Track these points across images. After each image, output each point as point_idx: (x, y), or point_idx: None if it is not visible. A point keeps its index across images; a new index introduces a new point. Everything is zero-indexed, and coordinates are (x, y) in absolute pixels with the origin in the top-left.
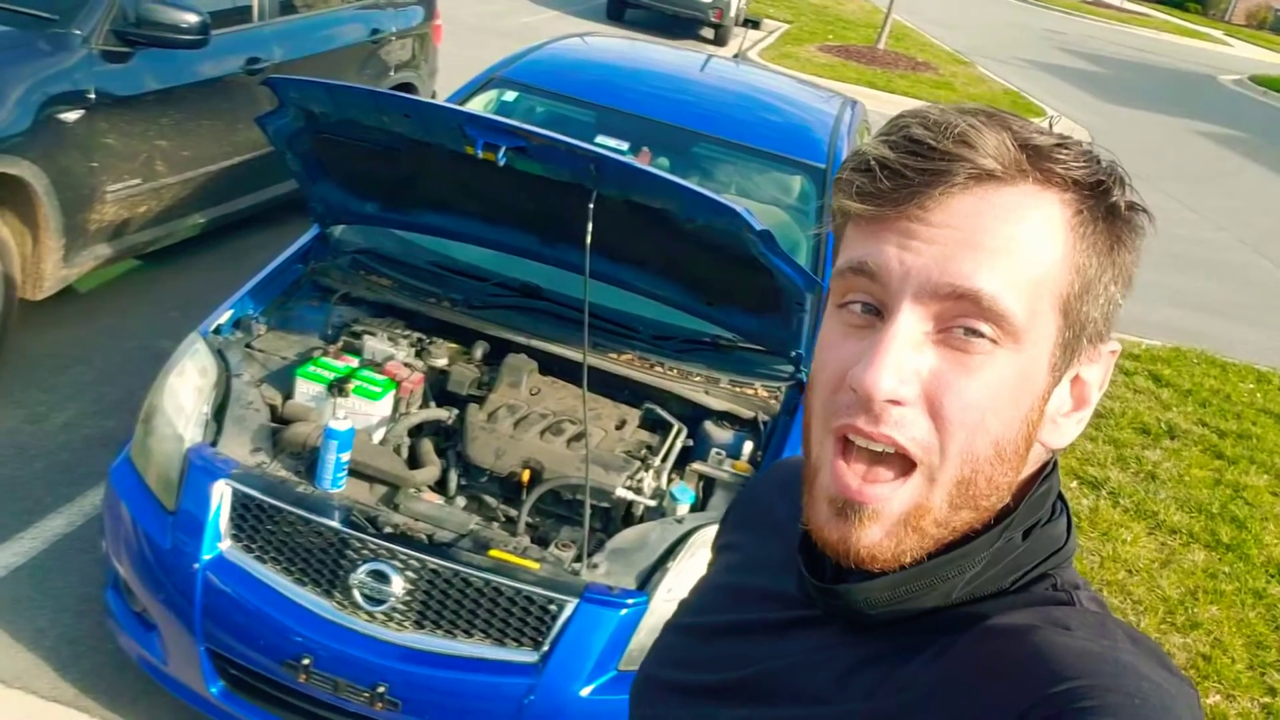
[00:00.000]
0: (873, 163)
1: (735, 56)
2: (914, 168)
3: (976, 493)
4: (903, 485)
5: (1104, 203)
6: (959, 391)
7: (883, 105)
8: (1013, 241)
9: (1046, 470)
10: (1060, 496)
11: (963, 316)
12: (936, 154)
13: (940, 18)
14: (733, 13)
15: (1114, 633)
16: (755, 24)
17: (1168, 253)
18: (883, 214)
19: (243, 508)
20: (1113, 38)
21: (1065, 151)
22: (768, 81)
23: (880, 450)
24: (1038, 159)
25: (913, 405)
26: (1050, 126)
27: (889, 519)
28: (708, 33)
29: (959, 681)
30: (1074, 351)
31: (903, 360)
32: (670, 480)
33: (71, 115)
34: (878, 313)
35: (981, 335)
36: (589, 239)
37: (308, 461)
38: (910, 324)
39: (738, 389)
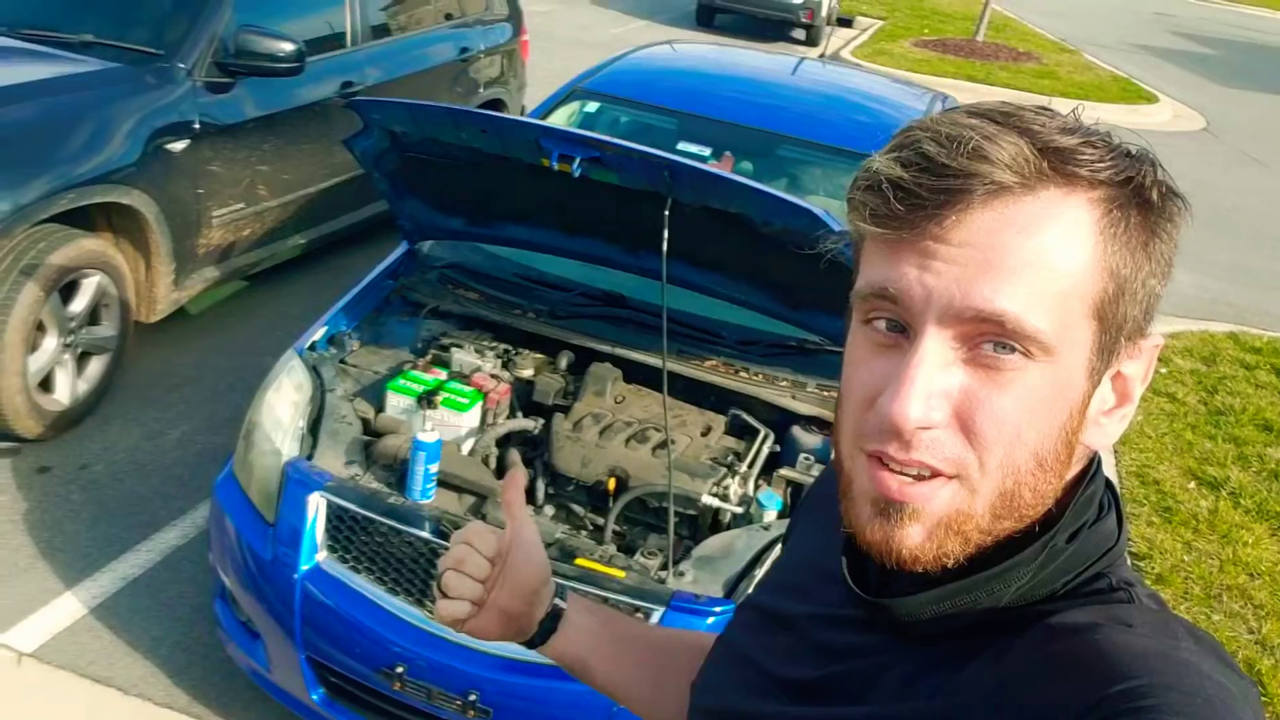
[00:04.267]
0: (885, 183)
1: (821, 57)
2: (929, 186)
3: (1021, 503)
4: (944, 485)
5: (1136, 198)
6: (991, 408)
7: (984, 99)
8: (1037, 255)
9: (1090, 471)
10: (1109, 488)
11: (989, 336)
12: (950, 171)
13: (1043, 6)
14: (824, 12)
15: (1176, 630)
16: (848, 22)
17: None
18: (900, 236)
19: (337, 519)
20: (1226, 19)
21: (1090, 150)
22: (852, 80)
23: (915, 474)
24: (1060, 162)
25: (944, 427)
26: (1077, 116)
27: (930, 519)
28: (799, 34)
29: (1020, 682)
30: (1113, 352)
31: (930, 385)
32: (757, 487)
33: (178, 145)
34: (903, 329)
35: (1012, 351)
36: (665, 245)
37: (399, 473)
38: (935, 348)
39: (825, 393)
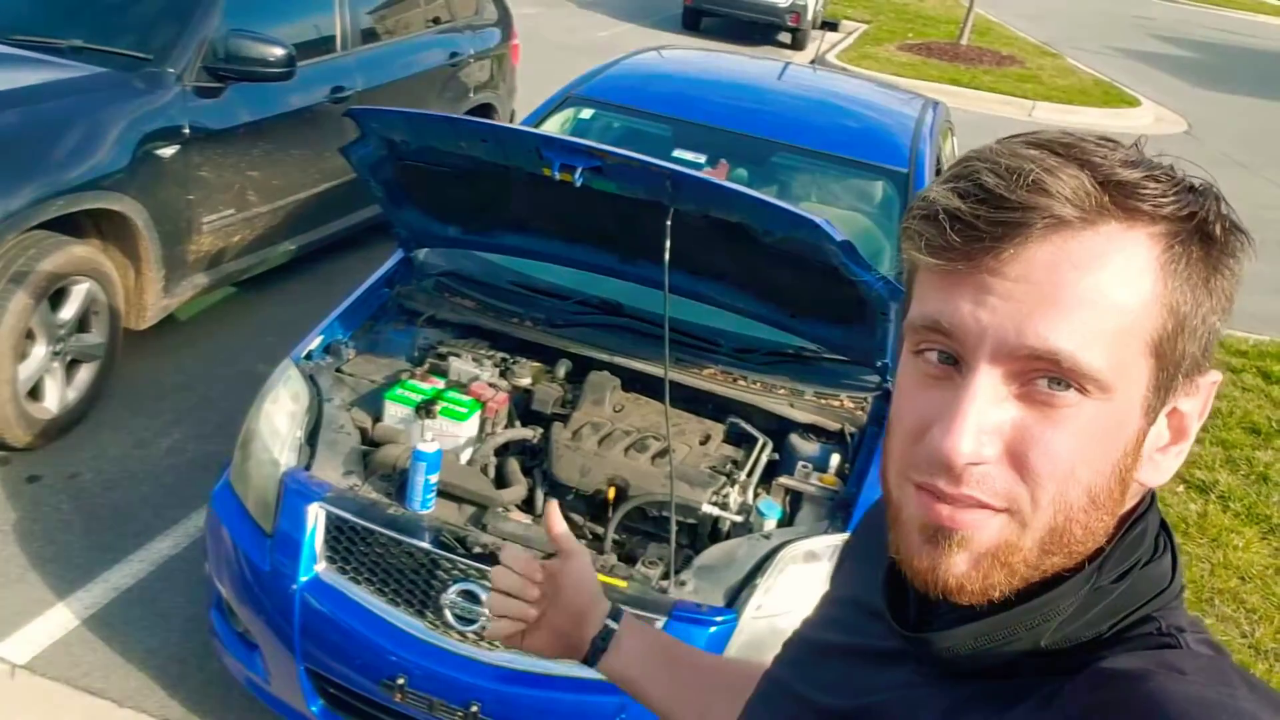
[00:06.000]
0: (942, 214)
1: (812, 62)
2: (987, 219)
3: (1071, 540)
4: (994, 516)
5: (1199, 234)
6: (1045, 444)
7: (968, 103)
8: (1094, 292)
9: (1142, 508)
10: (1165, 529)
11: (1043, 372)
12: (1010, 204)
13: (1025, 10)
14: (810, 15)
15: (1231, 678)
16: (833, 26)
17: (1274, 241)
18: (955, 268)
19: (336, 530)
20: (1205, 21)
21: (1154, 184)
22: (846, 86)
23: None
24: (1122, 196)
25: (996, 462)
26: (1139, 148)
27: (978, 548)
28: (785, 37)
29: None
30: (1170, 390)
31: (982, 420)
32: (756, 495)
33: (168, 150)
34: (955, 362)
35: (1067, 388)
36: (667, 255)
37: (398, 483)
38: (988, 383)
39: (823, 401)
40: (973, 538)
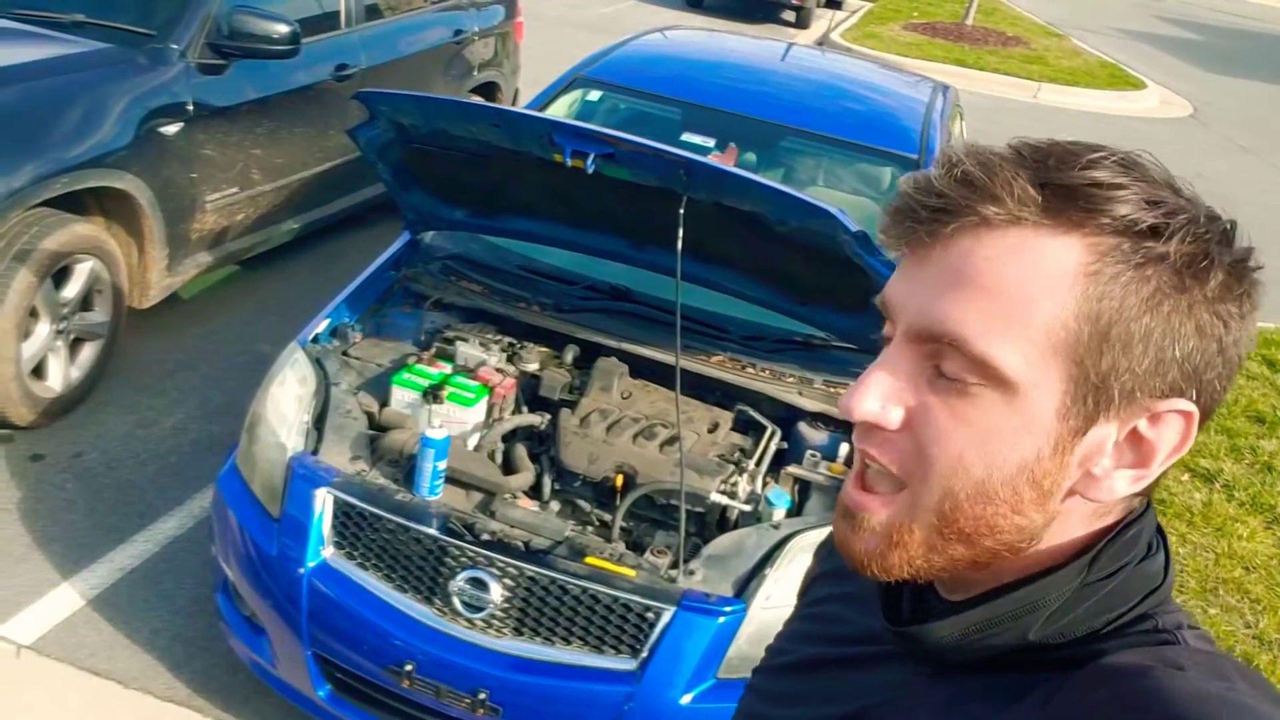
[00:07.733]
0: (899, 200)
1: (819, 43)
2: (924, 205)
3: (965, 529)
4: (891, 501)
5: (1159, 255)
6: (937, 427)
7: (973, 84)
8: (999, 284)
9: (1137, 513)
10: (1160, 534)
11: (944, 359)
12: (942, 194)
13: None
14: None
15: (1229, 673)
16: (838, 4)
17: (1278, 229)
18: (901, 250)
19: (344, 515)
20: (1213, 4)
21: (1104, 191)
22: (854, 69)
23: (875, 469)
24: (1059, 200)
25: (901, 432)
26: (1137, 157)
27: (874, 530)
28: (789, 16)
29: None
30: (1099, 403)
31: (885, 387)
32: (765, 484)
33: (171, 128)
34: None
35: (964, 379)
36: (680, 243)
37: (405, 469)
38: (899, 356)
39: (832, 389)
40: (870, 519)
